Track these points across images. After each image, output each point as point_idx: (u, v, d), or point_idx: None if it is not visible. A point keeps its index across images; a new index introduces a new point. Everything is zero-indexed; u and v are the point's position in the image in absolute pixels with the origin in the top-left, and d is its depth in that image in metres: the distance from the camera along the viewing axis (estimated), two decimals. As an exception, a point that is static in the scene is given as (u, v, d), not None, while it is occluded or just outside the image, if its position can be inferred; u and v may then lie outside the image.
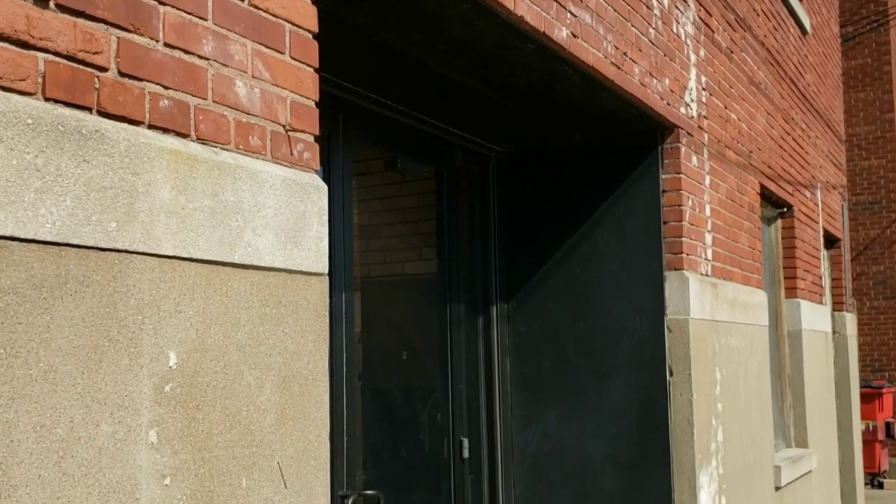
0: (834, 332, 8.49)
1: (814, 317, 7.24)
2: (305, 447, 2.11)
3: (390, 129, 4.00)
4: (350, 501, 3.36)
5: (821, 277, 7.75)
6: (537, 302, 4.64)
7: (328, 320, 2.22)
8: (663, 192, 4.44)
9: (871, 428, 12.16)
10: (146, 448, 1.70)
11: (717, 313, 4.74)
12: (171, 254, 1.77)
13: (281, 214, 2.06)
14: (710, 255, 4.78)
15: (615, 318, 4.46)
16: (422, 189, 4.74)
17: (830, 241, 8.75)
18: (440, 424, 4.27)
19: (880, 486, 12.72)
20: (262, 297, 2.00)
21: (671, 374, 4.34)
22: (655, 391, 4.33)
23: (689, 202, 4.52)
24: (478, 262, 4.64)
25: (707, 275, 4.73)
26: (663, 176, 4.46)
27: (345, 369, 3.48)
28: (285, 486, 2.02)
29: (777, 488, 5.67)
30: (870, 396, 12.17)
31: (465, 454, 4.25)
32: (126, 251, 1.68)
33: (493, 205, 4.70)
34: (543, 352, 4.60)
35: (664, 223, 4.42)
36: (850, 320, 9.06)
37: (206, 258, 1.85)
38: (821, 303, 7.70)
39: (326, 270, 2.21)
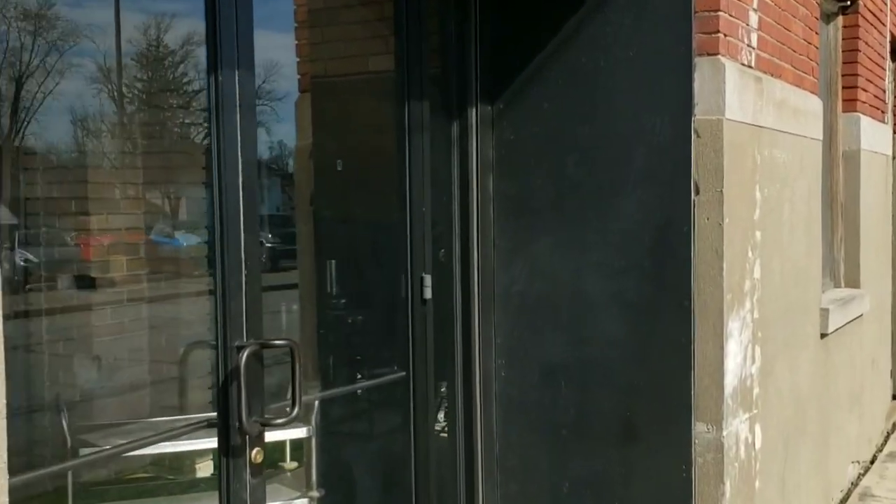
0: (894, 157, 7.37)
1: (875, 136, 6.13)
2: None
3: None
4: (245, 354, 2.46)
5: (884, 91, 6.59)
6: (530, 102, 3.60)
7: None
8: (696, -51, 3.32)
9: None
10: None
11: (760, 116, 3.69)
12: None
13: None
14: (754, 41, 3.69)
15: (628, 120, 3.42)
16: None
17: (897, 52, 7.50)
18: (397, 258, 3.33)
19: (927, 329, 11.82)
20: None
21: (697, 192, 3.34)
22: (675, 213, 3.34)
23: (730, -35, 3.40)
24: (451, 51, 3.59)
25: (749, 65, 3.65)
26: (696, -72, 3.32)
27: (241, 182, 2.52)
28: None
29: (823, 335, 4.75)
30: (924, 233, 11.09)
31: (427, 294, 3.32)
32: None
33: (474, -24, 3.60)
34: (536, 166, 3.60)
35: (695, -8, 3.32)
36: (914, 144, 7.91)
37: None
38: (882, 121, 6.57)
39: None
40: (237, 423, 2.47)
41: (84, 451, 3.42)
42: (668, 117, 3.35)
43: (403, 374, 3.29)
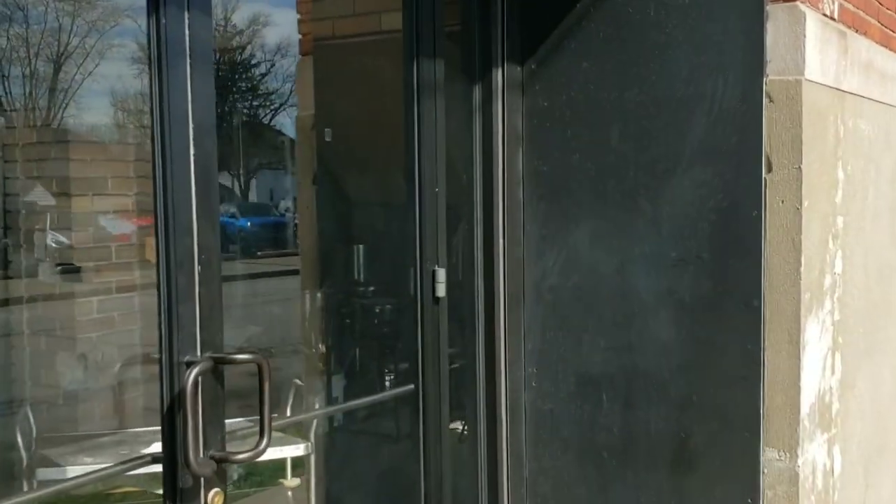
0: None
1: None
2: None
3: None
4: (194, 373, 1.93)
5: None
6: (566, 61, 3.03)
7: None
8: None
9: None
10: None
11: (844, 79, 3.07)
12: None
13: None
14: (838, -12, 3.07)
15: (684, 83, 2.83)
16: None
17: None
18: (405, 248, 2.77)
19: None
20: None
21: (769, 170, 2.75)
22: (743, 195, 2.75)
23: None
24: (473, 2, 3.02)
25: (832, 17, 3.04)
26: None
27: (193, 153, 1.98)
28: None
29: (907, 337, 4.12)
30: None
31: (440, 292, 2.76)
32: None
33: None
34: (573, 138, 3.03)
35: (769, -76, 2.72)
36: None
37: None
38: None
39: None
40: (184, 461, 1.94)
41: (41, 471, 2.93)
42: (733, 77, 2.76)
43: (411, 387, 2.74)
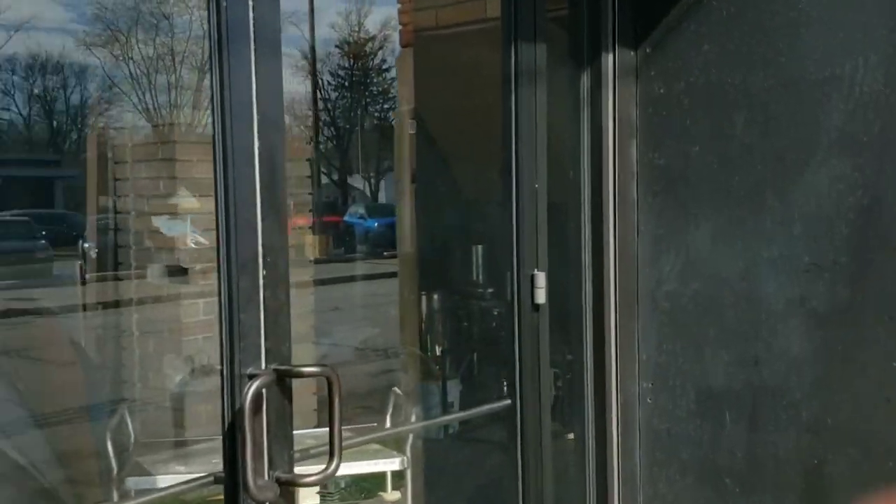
0: None
1: None
2: None
3: None
4: (254, 387, 1.75)
5: None
6: (685, 43, 2.74)
7: None
8: None
9: None
10: None
11: None
12: None
13: None
14: None
15: (818, 64, 2.51)
16: None
17: None
18: (502, 250, 2.55)
19: None
20: None
21: (919, 161, 2.40)
22: (887, 191, 2.41)
23: None
24: (581, -22, 2.77)
25: None
26: None
27: (258, 148, 1.81)
28: None
29: None
30: None
31: (540, 298, 2.52)
32: None
33: None
34: (693, 127, 2.74)
35: None
36: None
37: None
38: None
39: None
40: (243, 484, 1.77)
41: (131, 480, 2.84)
42: (875, 58, 2.42)
43: (509, 402, 2.51)
